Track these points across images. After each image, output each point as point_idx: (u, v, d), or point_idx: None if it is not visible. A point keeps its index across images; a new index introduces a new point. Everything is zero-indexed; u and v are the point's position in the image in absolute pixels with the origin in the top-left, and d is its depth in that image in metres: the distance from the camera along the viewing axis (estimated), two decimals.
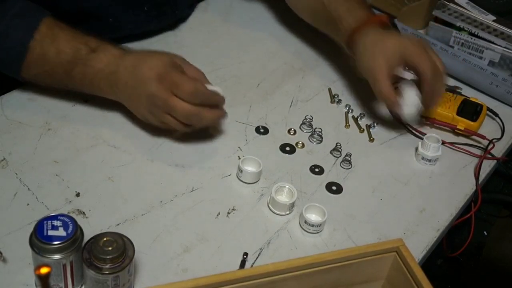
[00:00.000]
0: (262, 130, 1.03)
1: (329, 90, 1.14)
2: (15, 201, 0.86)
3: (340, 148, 1.01)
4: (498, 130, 1.11)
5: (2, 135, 0.94)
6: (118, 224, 0.85)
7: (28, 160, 0.91)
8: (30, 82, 0.99)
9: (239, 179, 0.94)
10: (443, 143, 1.04)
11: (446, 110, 1.08)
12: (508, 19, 1.24)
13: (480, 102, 1.11)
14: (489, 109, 1.11)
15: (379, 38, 1.02)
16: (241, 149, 0.99)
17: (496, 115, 1.12)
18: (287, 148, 1.01)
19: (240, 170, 0.93)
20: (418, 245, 0.89)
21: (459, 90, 1.17)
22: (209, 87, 0.93)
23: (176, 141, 0.98)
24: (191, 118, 0.92)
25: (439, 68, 1.01)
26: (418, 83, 1.01)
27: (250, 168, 0.93)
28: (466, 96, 1.12)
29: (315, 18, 1.17)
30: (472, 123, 1.06)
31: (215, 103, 0.94)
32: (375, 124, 1.07)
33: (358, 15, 1.06)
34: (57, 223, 0.71)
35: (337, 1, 1.09)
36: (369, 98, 1.13)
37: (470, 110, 1.08)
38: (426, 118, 1.08)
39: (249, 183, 0.93)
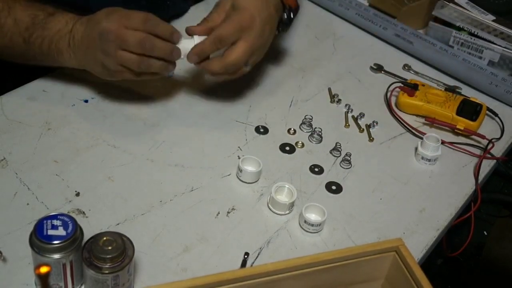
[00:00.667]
0: (262, 130, 1.03)
1: (329, 90, 1.14)
2: (15, 201, 0.86)
3: (339, 147, 1.01)
4: (498, 130, 1.11)
5: (2, 135, 0.94)
6: (118, 224, 0.85)
7: (28, 160, 0.91)
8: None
9: (239, 178, 0.94)
10: (443, 142, 1.04)
11: (446, 110, 1.08)
12: (508, 19, 1.25)
13: (479, 102, 1.11)
14: (488, 109, 1.11)
15: None
16: (240, 149, 0.99)
17: (496, 115, 1.12)
18: (287, 148, 1.01)
19: (240, 169, 0.93)
20: (418, 245, 0.89)
21: (458, 90, 1.17)
22: None
23: (176, 141, 0.98)
24: (143, 45, 0.90)
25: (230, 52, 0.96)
26: None
27: (250, 167, 0.93)
28: (466, 96, 1.12)
29: None
30: (471, 122, 1.06)
31: (166, 31, 0.93)
32: (375, 124, 1.07)
33: None
34: (57, 222, 0.71)
35: None
36: (369, 98, 1.13)
37: (469, 110, 1.08)
38: (426, 117, 1.09)
39: (249, 183, 0.93)
